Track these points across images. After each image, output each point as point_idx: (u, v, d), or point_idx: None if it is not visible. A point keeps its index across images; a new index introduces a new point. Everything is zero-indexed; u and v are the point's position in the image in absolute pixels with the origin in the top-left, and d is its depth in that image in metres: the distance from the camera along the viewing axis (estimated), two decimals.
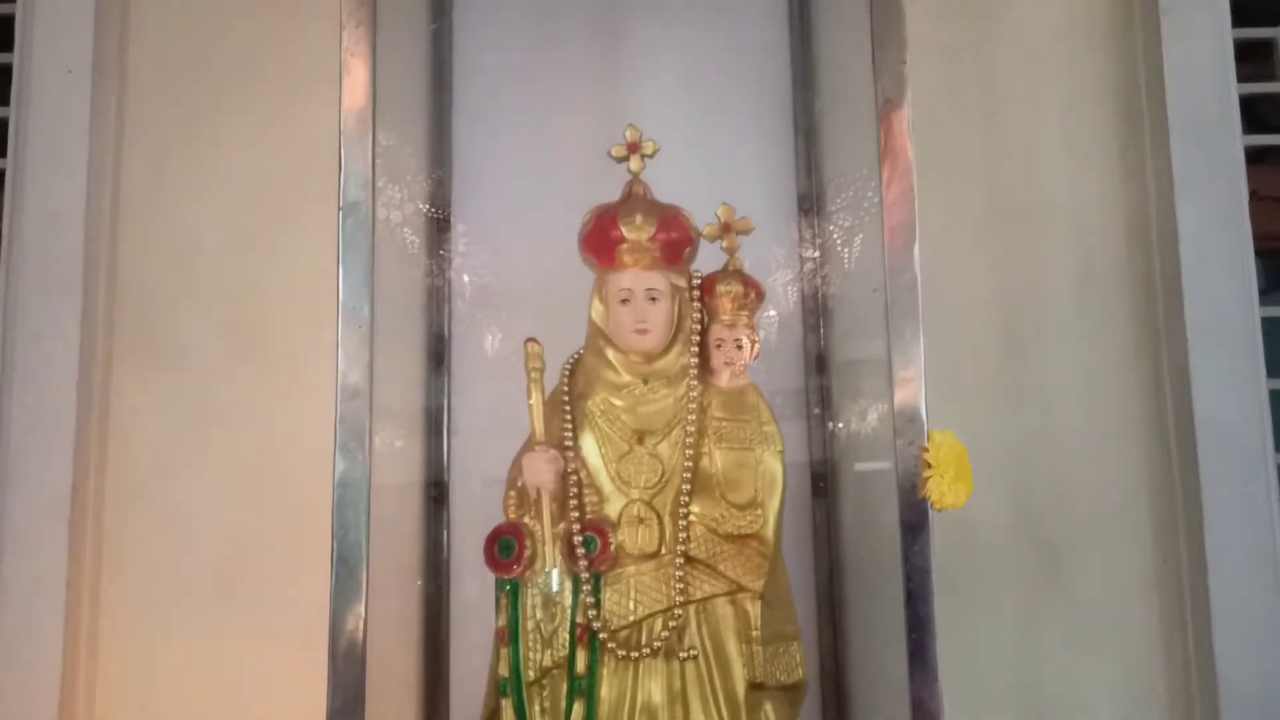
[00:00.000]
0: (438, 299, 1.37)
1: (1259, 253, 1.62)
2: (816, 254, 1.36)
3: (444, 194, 1.38)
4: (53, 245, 1.38)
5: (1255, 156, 1.69)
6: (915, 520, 0.90)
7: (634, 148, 1.13)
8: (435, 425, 1.36)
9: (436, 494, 1.35)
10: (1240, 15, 1.68)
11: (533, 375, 1.08)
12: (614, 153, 1.13)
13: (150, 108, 1.47)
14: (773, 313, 1.27)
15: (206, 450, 1.38)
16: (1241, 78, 1.66)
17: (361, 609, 0.91)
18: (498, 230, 1.37)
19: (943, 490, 0.90)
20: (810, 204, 1.38)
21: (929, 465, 0.91)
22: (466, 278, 1.37)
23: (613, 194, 1.14)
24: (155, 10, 1.49)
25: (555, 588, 1.06)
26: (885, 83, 0.96)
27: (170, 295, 1.42)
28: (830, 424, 1.35)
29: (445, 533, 1.35)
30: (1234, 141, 1.45)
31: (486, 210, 1.39)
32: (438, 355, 1.37)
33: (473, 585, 1.32)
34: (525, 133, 1.41)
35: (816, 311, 1.37)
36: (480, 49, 1.43)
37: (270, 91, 1.45)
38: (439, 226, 1.37)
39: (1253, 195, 1.63)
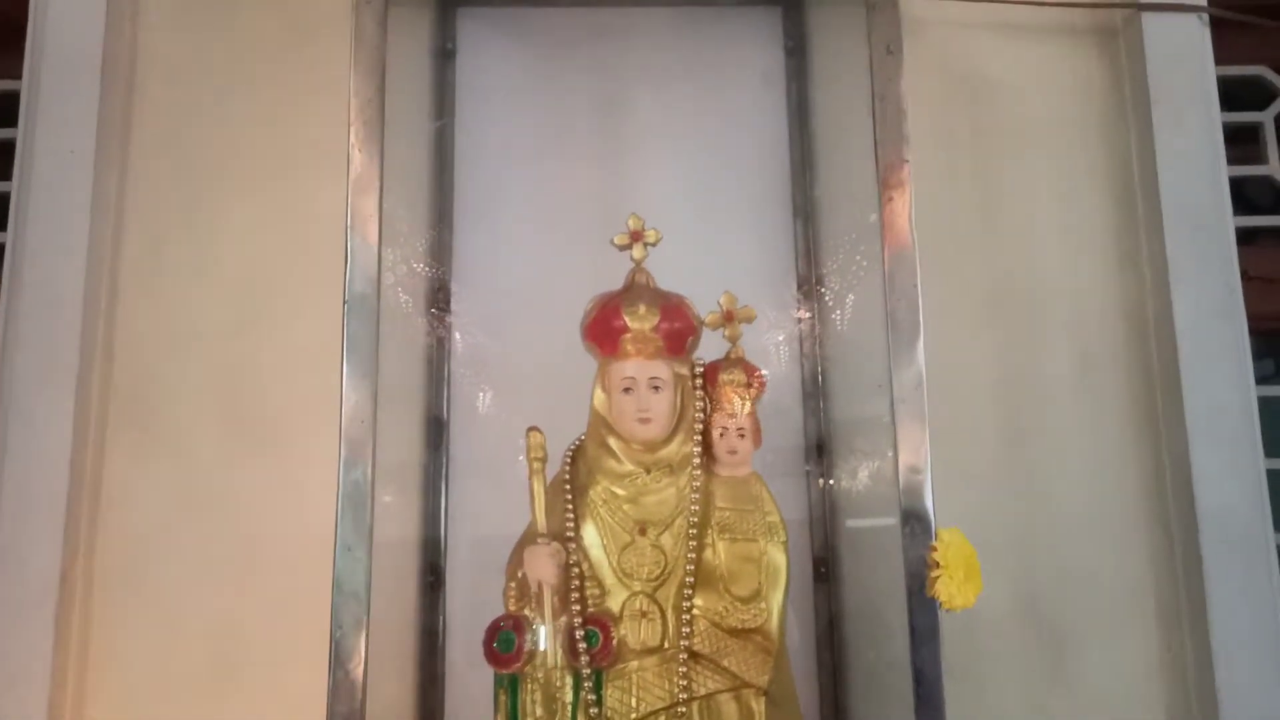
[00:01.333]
0: (437, 382, 1.36)
1: (1253, 333, 1.64)
2: (817, 340, 1.37)
3: (444, 278, 1.38)
4: (50, 325, 1.37)
5: (1245, 238, 1.72)
6: (925, 624, 0.89)
7: (636, 236, 1.13)
8: (432, 511, 1.34)
9: (433, 580, 1.33)
10: (1228, 99, 1.72)
11: (534, 465, 1.07)
12: (616, 241, 1.14)
13: (151, 190, 1.47)
14: (773, 399, 1.26)
15: (199, 535, 1.36)
16: (1230, 160, 1.70)
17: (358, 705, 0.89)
18: (498, 315, 1.37)
19: (952, 591, 0.89)
20: (809, 288, 1.39)
21: (938, 565, 0.90)
22: (465, 364, 1.37)
23: (615, 280, 1.15)
24: (159, 92, 1.51)
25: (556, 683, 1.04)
26: (889, 182, 0.96)
27: (166, 378, 1.40)
28: (829, 495, 1.34)
29: (441, 619, 1.33)
30: (1226, 229, 1.47)
31: (487, 295, 1.39)
32: (436, 439, 1.36)
33: (471, 676, 1.29)
34: (527, 217, 1.42)
35: (817, 396, 1.36)
36: (482, 135, 1.44)
37: (270, 174, 1.46)
38: (439, 311, 1.37)
39: (1244, 276, 1.66)
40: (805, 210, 1.41)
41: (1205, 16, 1.52)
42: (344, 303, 0.93)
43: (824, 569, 1.34)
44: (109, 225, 1.44)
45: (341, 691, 0.88)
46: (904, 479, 0.93)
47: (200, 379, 1.40)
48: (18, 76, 1.55)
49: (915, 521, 0.93)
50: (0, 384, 1.36)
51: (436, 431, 1.35)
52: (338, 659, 0.88)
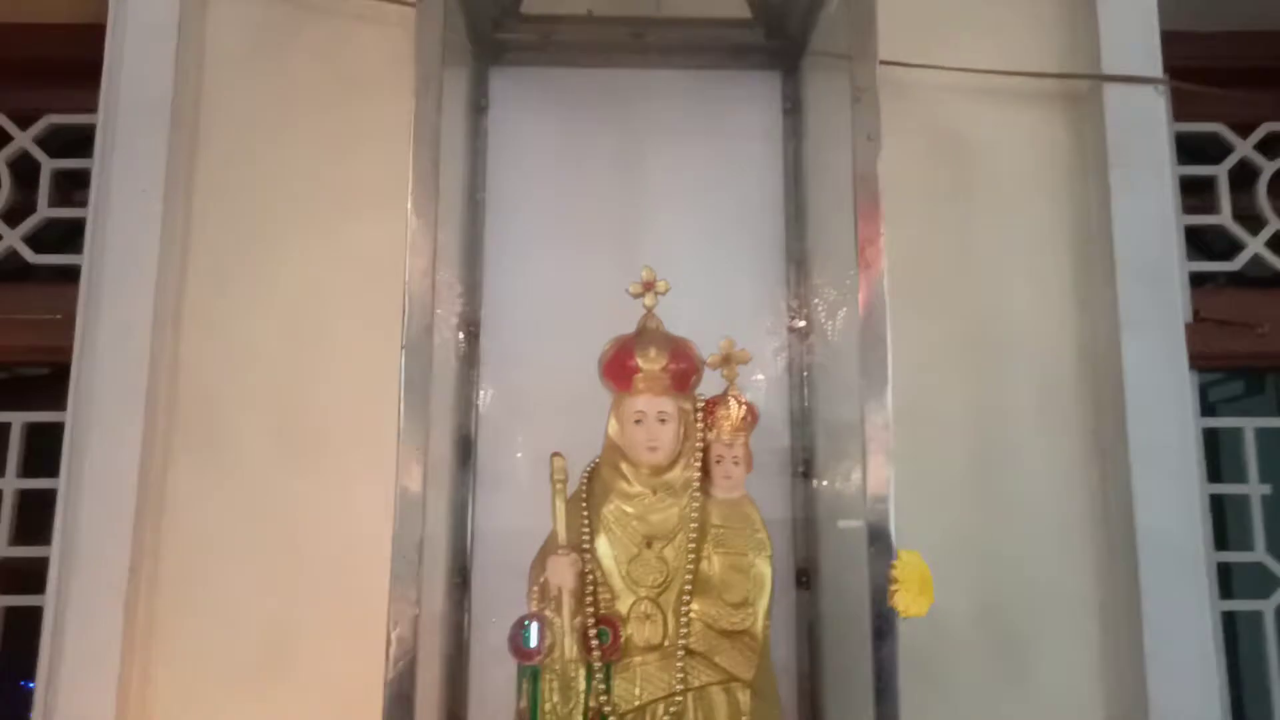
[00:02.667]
0: (466, 407, 1.53)
1: (1203, 369, 1.81)
2: (804, 377, 1.54)
3: (475, 314, 1.55)
4: (121, 348, 1.54)
5: (1199, 281, 1.89)
6: (884, 628, 1.06)
7: (648, 285, 1.31)
8: (460, 519, 1.51)
9: (460, 580, 1.50)
10: (1189, 152, 1.89)
11: (557, 486, 1.25)
12: (631, 290, 1.31)
13: (214, 225, 1.64)
14: (765, 427, 1.43)
15: (255, 541, 1.53)
16: (1187, 209, 1.88)
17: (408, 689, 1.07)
18: (524, 348, 1.55)
19: (908, 603, 1.06)
20: (800, 330, 1.56)
21: (896, 580, 1.08)
22: (493, 390, 1.54)
23: (630, 318, 1.33)
24: (221, 135, 1.68)
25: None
26: (866, 254, 1.14)
27: (226, 399, 1.58)
28: (811, 513, 1.51)
29: (466, 617, 1.50)
30: (1172, 279, 1.63)
31: (514, 329, 1.56)
32: (465, 456, 1.53)
33: (493, 666, 1.46)
34: (551, 259, 1.58)
35: (804, 425, 1.53)
36: (511, 183, 1.60)
37: (322, 212, 1.63)
38: (471, 343, 1.54)
39: (1196, 317, 1.83)
40: (799, 258, 1.57)
41: (1161, 86, 1.69)
42: (402, 349, 1.10)
43: (805, 578, 1.51)
44: (176, 257, 1.62)
45: (398, 677, 1.05)
46: (870, 506, 1.11)
47: (257, 399, 1.57)
48: (93, 110, 1.73)
49: (879, 542, 1.10)
50: (76, 401, 1.54)
51: (465, 449, 1.52)
52: (393, 650, 1.05)
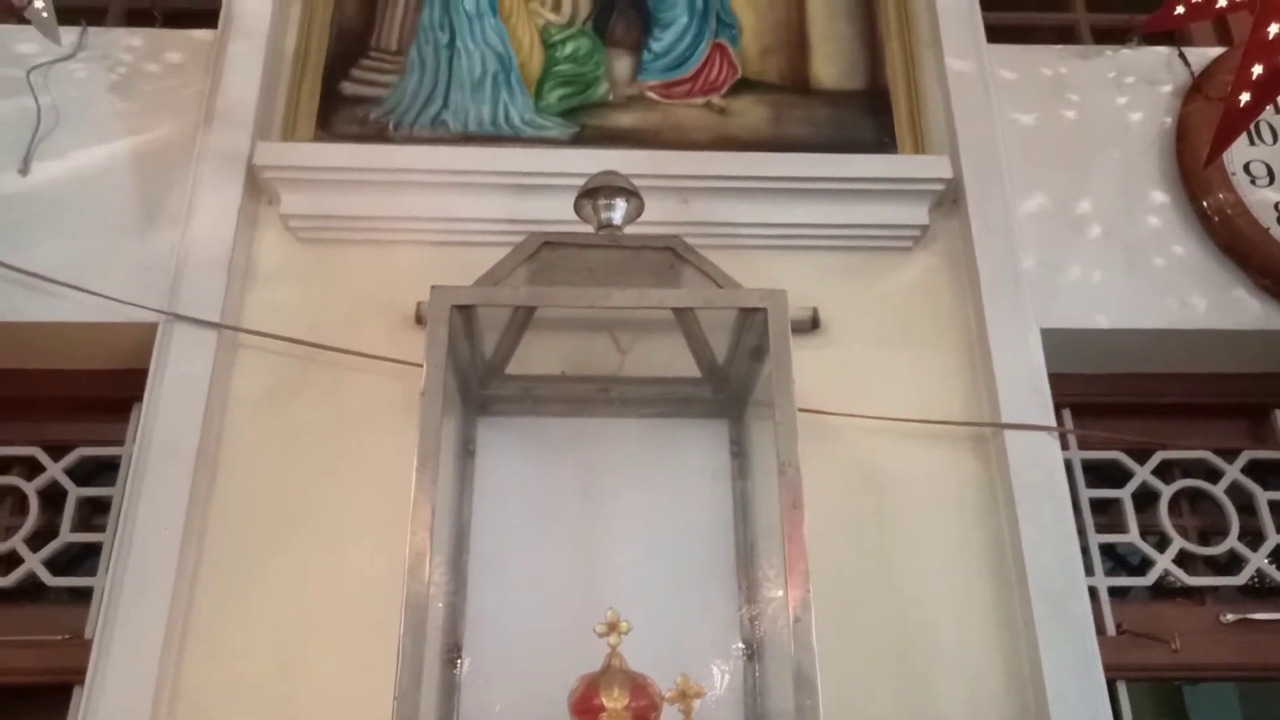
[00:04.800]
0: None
1: (1128, 680, 1.98)
2: (754, 694, 1.69)
3: (458, 637, 1.72)
4: (131, 669, 1.69)
5: (1119, 594, 2.09)
6: None
7: (613, 626, 1.49)
8: None
9: None
10: (1098, 474, 2.14)
11: None
12: (597, 630, 1.49)
13: (223, 552, 1.85)
14: None
15: None
16: (1100, 527, 2.11)
17: None
18: (502, 669, 1.70)
19: None
20: (749, 650, 1.73)
21: None
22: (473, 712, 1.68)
23: (596, 647, 1.49)
24: (238, 469, 1.92)
25: None
26: (792, 579, 1.35)
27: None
28: None
29: None
30: (1082, 602, 1.83)
31: (493, 652, 1.72)
32: None
33: None
34: (527, 585, 1.77)
35: None
36: (494, 516, 1.82)
37: (321, 537, 1.84)
38: (454, 662, 1.70)
39: (1119, 630, 2.02)
40: (747, 586, 1.77)
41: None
42: (397, 654, 1.29)
43: None
44: (186, 581, 1.79)
45: None
46: None
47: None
48: (119, 443, 1.96)
49: None
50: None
51: None
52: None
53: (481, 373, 1.84)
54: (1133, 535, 2.13)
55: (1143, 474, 2.18)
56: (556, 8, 2.41)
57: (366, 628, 1.73)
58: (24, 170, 2.11)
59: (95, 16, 2.40)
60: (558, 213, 1.91)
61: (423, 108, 2.26)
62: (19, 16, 1.99)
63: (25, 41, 2.21)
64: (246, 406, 1.97)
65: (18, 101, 2.17)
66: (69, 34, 2.20)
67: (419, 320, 1.99)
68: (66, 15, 2.14)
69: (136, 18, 2.49)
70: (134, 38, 2.30)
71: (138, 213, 2.08)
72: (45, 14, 1.93)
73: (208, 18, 2.31)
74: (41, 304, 1.99)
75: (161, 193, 2.10)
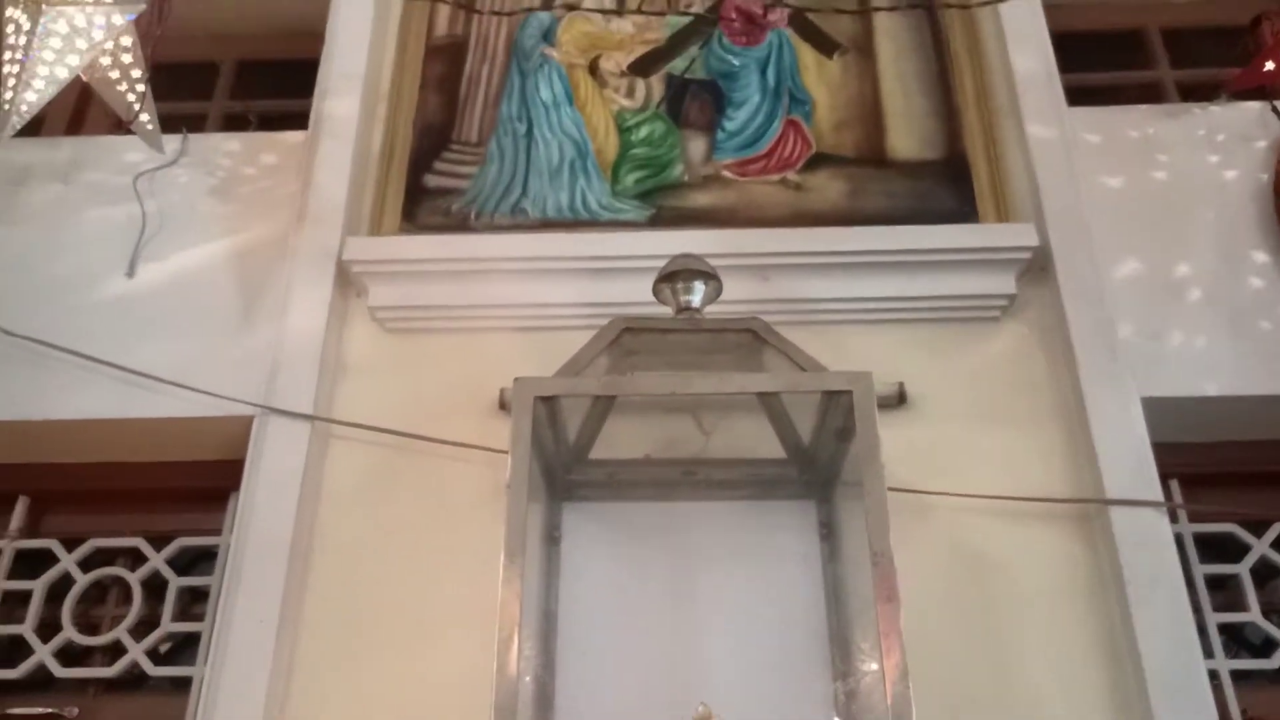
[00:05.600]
0: None
1: None
2: None
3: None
4: None
5: (1241, 678, 1.97)
6: None
7: None
8: None
9: None
10: (1211, 548, 2.03)
11: None
12: None
13: (318, 646, 1.86)
14: None
15: None
16: (1217, 606, 2.00)
17: None
18: None
19: None
20: None
21: None
22: None
23: None
24: (331, 562, 1.94)
25: None
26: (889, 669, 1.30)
27: None
28: None
29: None
30: (1202, 683, 1.73)
31: None
32: None
33: None
34: (617, 673, 1.73)
35: None
36: (581, 604, 1.80)
37: (414, 633, 1.84)
38: None
39: (1244, 715, 1.90)
40: (841, 675, 1.71)
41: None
42: None
43: None
44: (282, 675, 1.81)
45: None
46: None
47: None
48: (217, 532, 2.01)
49: None
50: None
51: None
52: None
53: (566, 459, 1.84)
54: (1254, 614, 2.01)
55: (1261, 547, 2.06)
56: (630, 93, 2.45)
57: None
58: (130, 273, 2.22)
59: (195, 123, 2.54)
60: (637, 294, 1.91)
61: (502, 196, 2.32)
62: (126, 128, 2.11)
63: (132, 151, 2.34)
64: (339, 497, 2.00)
65: (126, 208, 2.29)
66: (171, 141, 2.32)
67: (502, 406, 2.01)
68: (169, 123, 2.25)
69: (233, 122, 2.64)
70: (231, 142, 2.43)
71: (236, 310, 2.17)
72: (150, 125, 2.04)
73: (299, 119, 2.41)
74: (146, 401, 2.07)
75: (258, 290, 2.18)
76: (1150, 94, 2.61)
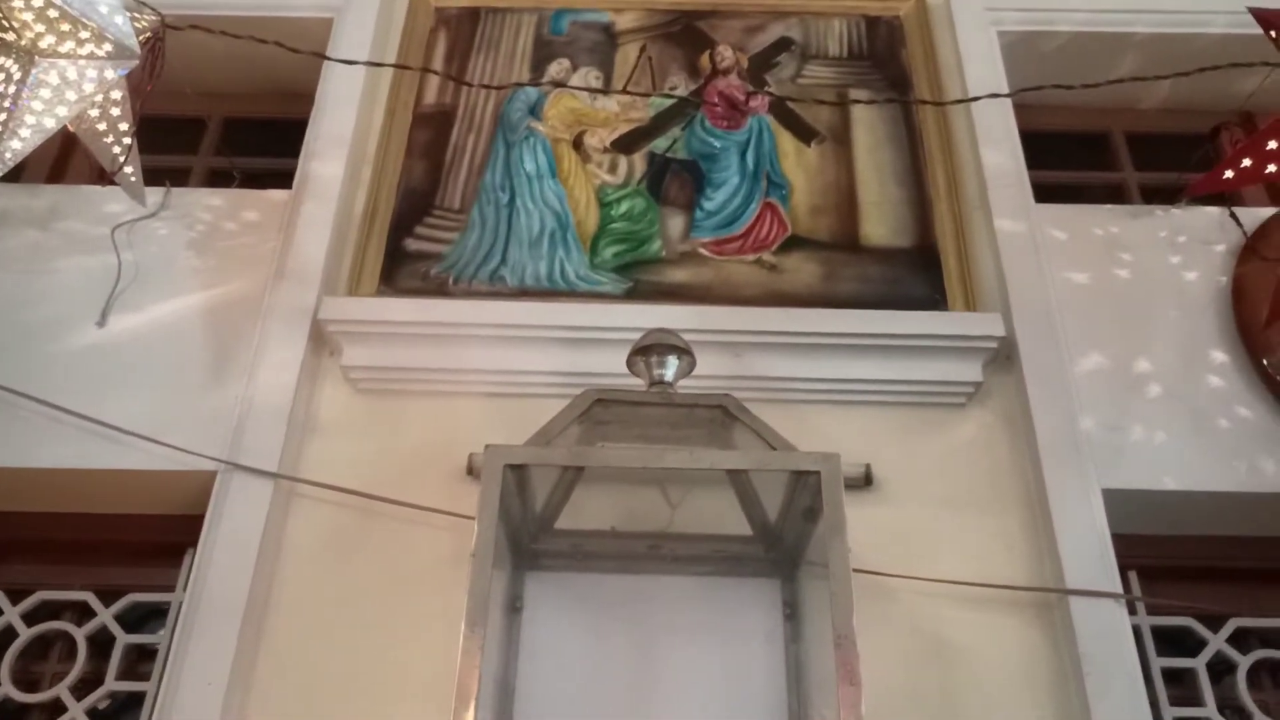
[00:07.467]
0: None
1: None
2: None
3: None
4: None
5: None
6: None
7: None
8: None
9: None
10: (1169, 641, 2.03)
11: None
12: None
13: (267, 715, 1.81)
14: None
15: None
16: (1173, 700, 1.99)
17: None
18: None
19: None
20: None
21: None
22: None
23: None
24: (285, 625, 1.90)
25: None
26: None
27: None
28: None
29: None
30: None
31: None
32: None
33: None
34: None
35: None
36: (541, 672, 1.77)
37: (370, 705, 1.80)
38: None
39: None
40: None
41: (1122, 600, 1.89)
42: None
43: None
44: None
45: None
46: None
47: None
48: (170, 589, 1.97)
49: None
50: None
51: None
52: None
53: (532, 528, 1.83)
54: (1209, 709, 2.00)
55: (1217, 642, 2.06)
56: (613, 169, 2.51)
57: None
58: (101, 323, 2.21)
59: (179, 177, 2.56)
60: (611, 366, 1.93)
61: (482, 263, 2.34)
62: (108, 179, 2.12)
63: (113, 202, 2.35)
64: (299, 558, 1.97)
65: (101, 258, 2.29)
66: (154, 194, 2.33)
67: (470, 472, 2.00)
68: (153, 176, 2.27)
69: (218, 178, 2.65)
70: (214, 198, 2.44)
71: (206, 364, 2.16)
72: (133, 177, 2.06)
73: (284, 178, 2.43)
74: (111, 452, 2.04)
75: (230, 345, 2.17)
76: (1115, 194, 2.70)
